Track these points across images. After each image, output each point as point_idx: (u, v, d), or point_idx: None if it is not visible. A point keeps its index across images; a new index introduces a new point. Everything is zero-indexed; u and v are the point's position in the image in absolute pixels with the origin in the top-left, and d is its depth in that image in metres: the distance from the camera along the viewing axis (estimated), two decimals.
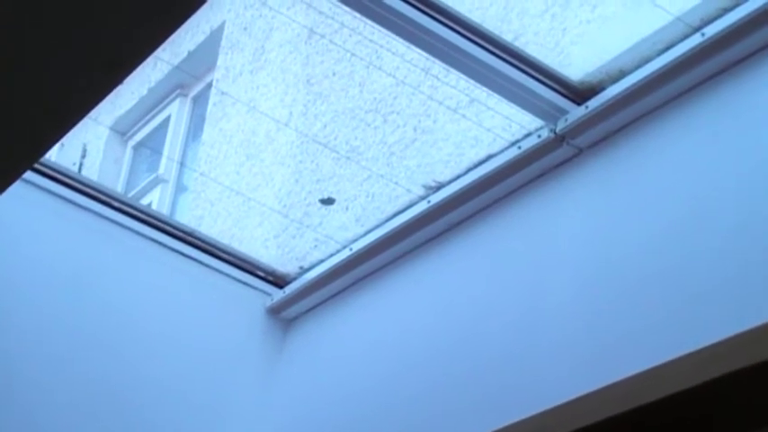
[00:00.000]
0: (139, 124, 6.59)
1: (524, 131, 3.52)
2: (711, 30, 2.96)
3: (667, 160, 3.02)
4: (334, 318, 4.05)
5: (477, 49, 3.33)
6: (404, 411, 3.53)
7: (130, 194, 5.91)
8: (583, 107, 3.30)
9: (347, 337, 3.96)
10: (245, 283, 4.24)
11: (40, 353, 3.73)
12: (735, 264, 2.69)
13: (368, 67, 4.60)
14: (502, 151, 3.54)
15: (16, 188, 3.16)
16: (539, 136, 3.40)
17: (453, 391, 3.37)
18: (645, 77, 3.12)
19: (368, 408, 3.69)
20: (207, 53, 6.10)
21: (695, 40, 3.00)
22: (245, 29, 5.87)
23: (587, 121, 3.27)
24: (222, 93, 5.78)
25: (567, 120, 3.32)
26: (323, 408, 3.88)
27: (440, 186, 3.75)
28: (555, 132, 3.34)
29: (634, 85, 3.14)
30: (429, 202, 3.72)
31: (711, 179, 2.87)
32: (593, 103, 3.27)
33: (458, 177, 3.69)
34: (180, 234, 4.14)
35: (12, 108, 2.69)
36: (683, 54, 3.02)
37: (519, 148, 3.46)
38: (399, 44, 3.95)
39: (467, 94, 3.87)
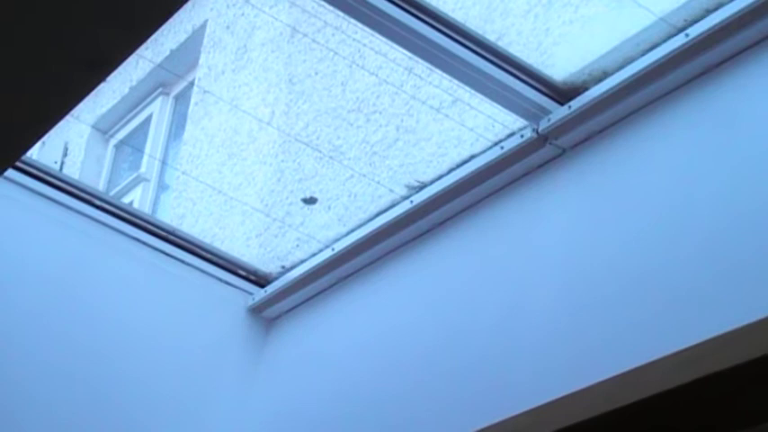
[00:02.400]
0: (121, 123, 6.58)
1: (507, 131, 3.51)
2: (695, 30, 2.96)
3: (650, 161, 3.01)
4: (316, 317, 4.04)
5: (460, 48, 3.32)
6: (385, 411, 3.53)
7: (112, 193, 5.90)
8: (566, 107, 3.30)
9: (329, 336, 3.95)
10: (226, 282, 4.22)
11: (20, 350, 3.71)
12: (717, 265, 2.69)
13: (350, 66, 4.60)
14: (484, 151, 3.54)
15: None
16: (521, 136, 3.40)
17: (435, 390, 3.36)
18: (628, 78, 3.11)
19: (349, 407, 3.68)
20: (189, 52, 6.09)
21: (679, 40, 3.00)
22: (228, 27, 5.86)
23: (570, 122, 3.27)
24: (204, 91, 5.77)
25: (549, 120, 3.32)
26: (304, 407, 3.87)
27: (422, 186, 3.74)
28: (537, 132, 3.34)
29: (617, 85, 3.14)
30: (411, 202, 3.72)
31: (694, 180, 2.87)
32: (576, 103, 3.27)
33: (440, 177, 3.68)
34: (161, 233, 4.13)
35: None
36: (667, 55, 3.02)
37: (501, 148, 3.46)
38: (382, 43, 3.94)
39: (450, 94, 3.87)
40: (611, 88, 3.15)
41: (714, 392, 2.58)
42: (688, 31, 2.98)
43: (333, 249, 3.98)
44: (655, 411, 2.68)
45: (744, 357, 2.47)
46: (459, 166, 3.63)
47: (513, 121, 3.49)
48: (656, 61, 3.04)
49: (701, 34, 2.94)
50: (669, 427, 2.73)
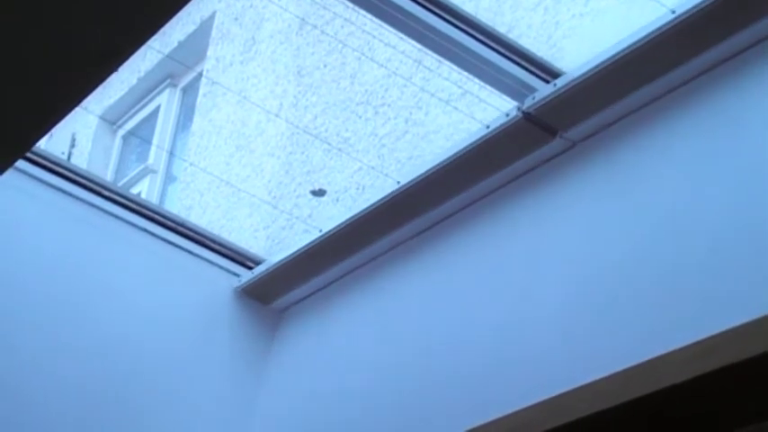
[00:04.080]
0: (129, 114, 6.58)
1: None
2: (682, 8, 2.90)
3: (661, 155, 2.98)
4: (326, 309, 4.01)
5: (470, 39, 3.30)
6: (388, 407, 3.52)
7: (119, 184, 5.90)
8: (551, 84, 3.24)
9: (337, 328, 3.93)
10: (235, 274, 4.21)
11: (29, 337, 3.71)
12: (727, 260, 2.67)
13: (359, 59, 4.59)
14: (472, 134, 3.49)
15: (5, 175, 3.15)
16: (507, 115, 3.34)
17: (440, 386, 3.35)
18: (614, 55, 3.05)
19: (353, 400, 3.67)
20: (197, 43, 6.09)
21: (665, 17, 2.94)
22: (236, 19, 5.86)
23: (557, 101, 3.20)
24: (212, 83, 5.77)
25: (534, 98, 3.26)
26: (311, 397, 3.87)
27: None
28: (522, 111, 3.28)
29: (603, 62, 3.08)
30: (398, 183, 3.63)
31: (704, 176, 2.84)
32: (561, 81, 3.21)
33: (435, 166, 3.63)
34: (170, 223, 4.12)
35: (3, 97, 2.67)
36: (653, 32, 2.96)
37: (487, 127, 3.40)
38: (392, 35, 3.94)
39: (459, 86, 3.86)
40: (598, 65, 3.10)
41: (716, 389, 2.58)
42: (674, 8, 2.92)
43: (320, 231, 3.93)
44: (658, 407, 2.68)
45: (748, 354, 2.46)
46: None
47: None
48: (642, 39, 2.98)
49: (687, 11, 2.88)
50: (672, 424, 2.73)
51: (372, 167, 4.18)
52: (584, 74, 3.14)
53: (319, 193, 4.43)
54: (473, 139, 3.44)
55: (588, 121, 3.22)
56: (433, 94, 4.07)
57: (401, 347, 3.58)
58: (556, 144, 3.31)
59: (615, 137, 3.15)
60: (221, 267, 4.19)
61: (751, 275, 2.59)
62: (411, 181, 3.61)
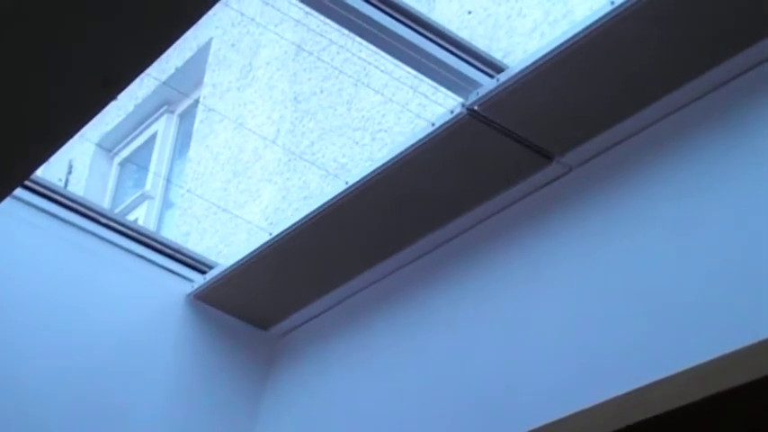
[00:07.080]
0: (126, 140, 6.59)
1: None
2: None
3: (659, 179, 2.97)
4: (323, 334, 4.01)
5: (466, 66, 3.31)
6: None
7: (116, 211, 5.91)
8: (494, 80, 3.20)
9: (336, 353, 3.93)
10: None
11: (24, 365, 3.71)
12: (728, 284, 2.67)
13: (356, 85, 4.61)
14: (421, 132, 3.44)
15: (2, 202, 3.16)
16: (452, 112, 3.30)
17: (444, 422, 3.34)
18: (556, 48, 3.02)
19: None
20: (194, 70, 6.11)
21: (604, 9, 2.90)
22: (233, 45, 5.88)
23: (500, 95, 3.17)
24: (209, 109, 5.78)
25: (478, 93, 3.23)
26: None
27: None
28: (466, 107, 3.24)
29: (546, 56, 3.04)
30: (347, 183, 3.58)
31: (703, 203, 2.85)
32: (504, 75, 3.18)
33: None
34: (167, 250, 4.12)
35: (2, 125, 2.68)
36: (593, 24, 2.92)
37: (432, 125, 3.36)
38: (388, 62, 3.95)
39: (451, 111, 3.87)
40: (539, 59, 3.06)
41: (712, 414, 2.59)
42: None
43: (270, 234, 3.88)
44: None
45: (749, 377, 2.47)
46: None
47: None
48: (583, 31, 2.95)
49: (625, 2, 2.85)
50: None
51: None
52: (526, 68, 3.10)
53: None
54: (419, 137, 3.40)
55: (529, 114, 3.20)
56: (428, 121, 4.07)
57: (402, 383, 3.56)
58: (553, 169, 3.30)
59: (613, 161, 3.15)
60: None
61: (752, 301, 2.59)
62: (359, 181, 3.54)
